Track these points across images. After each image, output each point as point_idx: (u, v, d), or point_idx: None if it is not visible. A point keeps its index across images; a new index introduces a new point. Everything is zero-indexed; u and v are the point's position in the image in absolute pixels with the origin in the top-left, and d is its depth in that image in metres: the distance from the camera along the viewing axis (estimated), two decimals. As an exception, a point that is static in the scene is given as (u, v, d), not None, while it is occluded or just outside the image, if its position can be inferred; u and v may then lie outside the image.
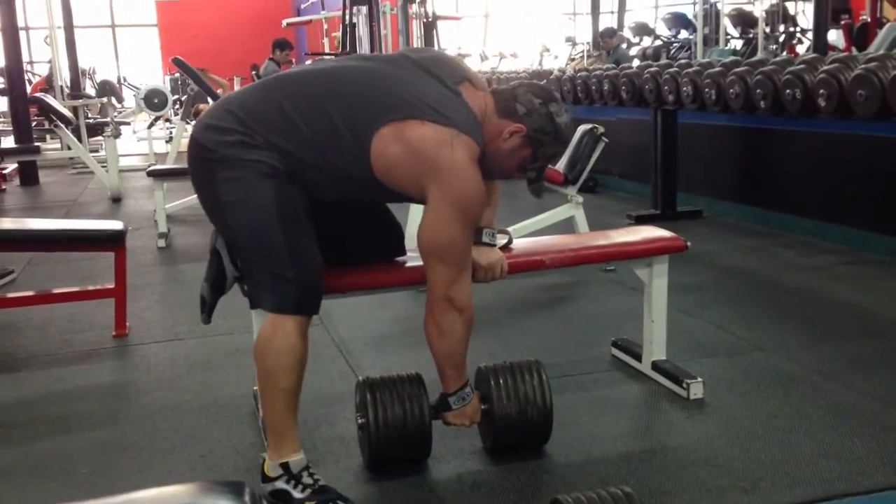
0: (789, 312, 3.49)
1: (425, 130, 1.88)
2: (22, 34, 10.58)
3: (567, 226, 4.27)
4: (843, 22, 9.00)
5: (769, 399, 2.59)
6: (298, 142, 1.92)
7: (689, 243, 2.63)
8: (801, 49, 9.30)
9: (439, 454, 2.24)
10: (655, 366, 2.72)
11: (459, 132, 1.89)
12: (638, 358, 2.81)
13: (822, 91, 3.97)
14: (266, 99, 1.98)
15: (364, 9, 10.40)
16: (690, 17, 11.11)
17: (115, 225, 3.46)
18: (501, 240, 2.45)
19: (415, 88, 1.93)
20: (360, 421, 2.16)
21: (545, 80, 7.56)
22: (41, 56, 15.28)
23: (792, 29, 9.74)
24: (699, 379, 2.59)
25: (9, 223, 4.20)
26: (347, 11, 10.21)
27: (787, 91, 4.18)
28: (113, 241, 3.36)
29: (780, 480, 2.08)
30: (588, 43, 11.66)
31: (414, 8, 10.61)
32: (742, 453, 2.23)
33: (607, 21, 11.81)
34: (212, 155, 1.94)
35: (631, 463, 2.21)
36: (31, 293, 3.77)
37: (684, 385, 2.57)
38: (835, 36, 8.81)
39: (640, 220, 5.16)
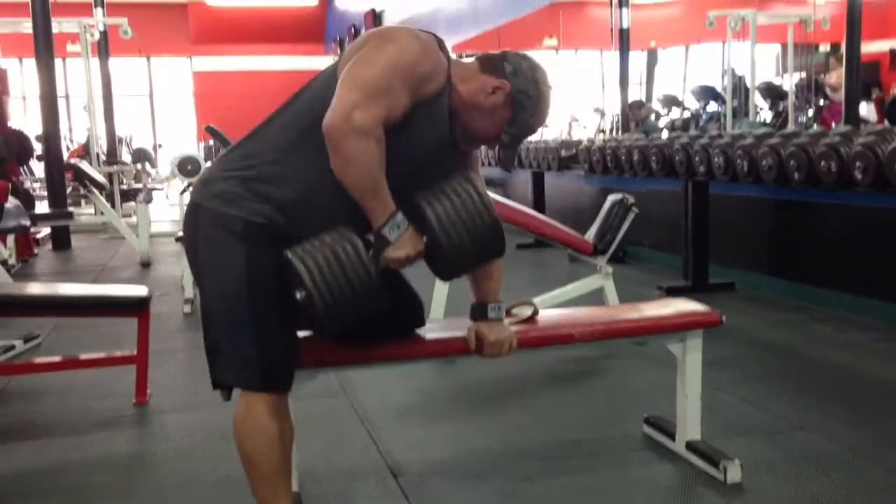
0: (827, 390, 3.36)
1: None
2: (62, 102, 10.88)
3: (596, 297, 4.19)
4: (874, 96, 8.99)
5: (810, 482, 2.46)
6: (275, 151, 1.87)
7: (724, 317, 2.55)
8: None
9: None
10: (690, 446, 2.61)
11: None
12: (672, 437, 2.70)
13: (858, 164, 3.91)
14: (250, 136, 1.96)
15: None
16: (719, 89, 11.16)
17: (140, 291, 3.44)
18: (526, 311, 2.39)
19: None
20: (300, 295, 1.83)
21: (574, 150, 7.58)
22: (80, 123, 15.65)
23: (822, 102, 9.73)
24: (736, 461, 2.47)
25: (36, 288, 4.21)
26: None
27: (823, 163, 4.13)
28: (136, 308, 3.34)
29: (825, 573, 1.96)
30: (616, 115, 11.73)
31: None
32: (784, 542, 2.11)
33: (635, 93, 11.89)
34: (199, 210, 1.90)
35: (665, 550, 2.09)
36: (53, 359, 3.75)
37: (721, 467, 2.45)
38: (866, 109, 8.79)
39: (671, 292, 5.07)
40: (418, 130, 1.87)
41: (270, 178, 1.86)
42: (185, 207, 5.85)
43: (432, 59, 1.85)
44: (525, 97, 1.93)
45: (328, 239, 1.82)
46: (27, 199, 8.13)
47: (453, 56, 1.97)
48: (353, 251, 1.81)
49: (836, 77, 9.12)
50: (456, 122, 1.92)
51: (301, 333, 2.04)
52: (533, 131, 2.04)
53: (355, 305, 1.83)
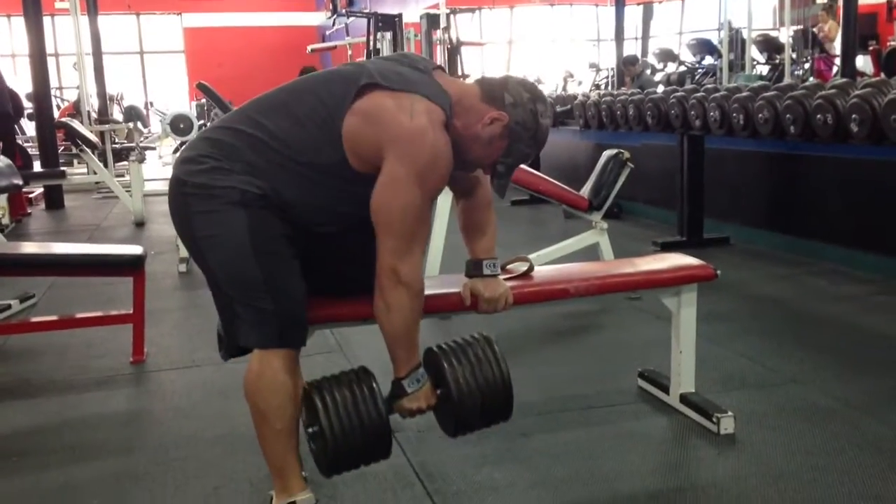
0: (822, 343, 3.38)
1: (384, 99, 1.84)
2: (51, 60, 10.74)
3: (591, 252, 4.19)
4: (871, 48, 8.91)
5: (803, 435, 2.49)
6: (269, 149, 1.87)
7: (718, 271, 2.55)
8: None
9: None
10: (684, 398, 2.63)
11: (421, 97, 1.83)
12: (665, 390, 2.72)
13: (854, 116, 3.89)
14: (238, 118, 1.95)
15: (388, 35, 10.46)
16: (715, 42, 11.05)
17: (135, 250, 3.43)
18: (521, 267, 2.39)
19: (376, 70, 1.89)
20: (311, 430, 1.92)
21: (569, 106, 7.53)
22: (70, 82, 15.48)
23: (819, 54, 9.64)
24: (730, 413, 2.49)
25: (30, 247, 4.20)
26: (371, 37, 10.26)
27: (818, 116, 4.10)
28: (132, 267, 3.33)
29: (817, 522, 1.99)
30: (612, 69, 11.62)
31: (438, 34, 10.66)
32: (776, 493, 2.14)
33: (631, 47, 11.77)
34: (185, 188, 1.88)
35: (659, 502, 2.12)
36: (49, 318, 3.74)
37: (714, 419, 2.48)
38: (862, 62, 8.72)
39: (666, 248, 5.07)
40: None
41: (265, 175, 1.87)
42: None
43: (447, 158, 1.86)
44: (522, 129, 1.93)
45: (346, 378, 1.93)
46: (26, 157, 8.10)
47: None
48: (370, 395, 1.90)
49: (828, 29, 9.04)
50: (453, 150, 1.90)
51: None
52: (528, 160, 2.07)
53: (362, 447, 1.91)
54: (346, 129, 1.84)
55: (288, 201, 1.88)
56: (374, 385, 1.92)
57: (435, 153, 1.82)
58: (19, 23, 9.07)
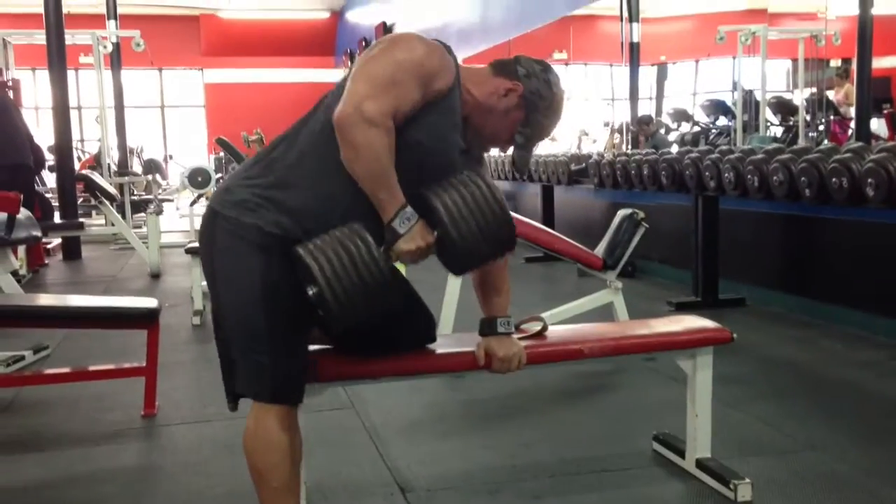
0: (840, 409, 3.33)
1: None
2: (74, 113, 10.93)
3: (606, 312, 4.17)
4: (885, 111, 8.96)
5: (822, 503, 2.44)
6: (292, 157, 1.88)
7: (735, 335, 2.53)
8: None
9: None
10: (700, 464, 2.59)
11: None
12: (681, 454, 2.68)
13: (870, 180, 3.89)
14: (270, 146, 1.97)
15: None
16: (729, 104, 11.14)
17: (149, 303, 3.45)
18: (535, 326, 2.38)
19: None
20: (312, 291, 1.81)
21: (584, 164, 7.57)
22: (92, 134, 15.73)
23: (833, 117, 9.70)
24: (747, 480, 2.44)
25: (46, 299, 4.23)
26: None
27: (834, 180, 4.10)
28: (146, 320, 3.34)
29: None
30: (627, 124, 11.71)
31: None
32: (795, 563, 2.09)
33: (646, 107, 11.88)
34: (216, 218, 1.89)
35: (675, 570, 2.07)
36: (62, 371, 3.74)
37: (731, 486, 2.43)
38: (876, 125, 8.76)
39: (681, 308, 5.05)
40: (431, 131, 1.87)
41: (287, 186, 1.87)
42: (195, 219, 5.80)
43: (438, 56, 1.86)
44: (538, 98, 1.94)
45: (338, 234, 1.81)
46: (47, 208, 8.20)
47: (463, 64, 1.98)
48: (364, 245, 1.80)
49: (841, 93, 9.11)
50: (468, 125, 1.93)
51: (312, 347, 2.03)
52: (547, 133, 2.04)
53: (367, 300, 1.81)
54: None
55: (312, 213, 1.85)
56: (366, 235, 1.81)
57: (424, 40, 1.85)
58: (44, 76, 9.25)
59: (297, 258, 1.80)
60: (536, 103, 1.94)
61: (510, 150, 2.03)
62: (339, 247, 1.79)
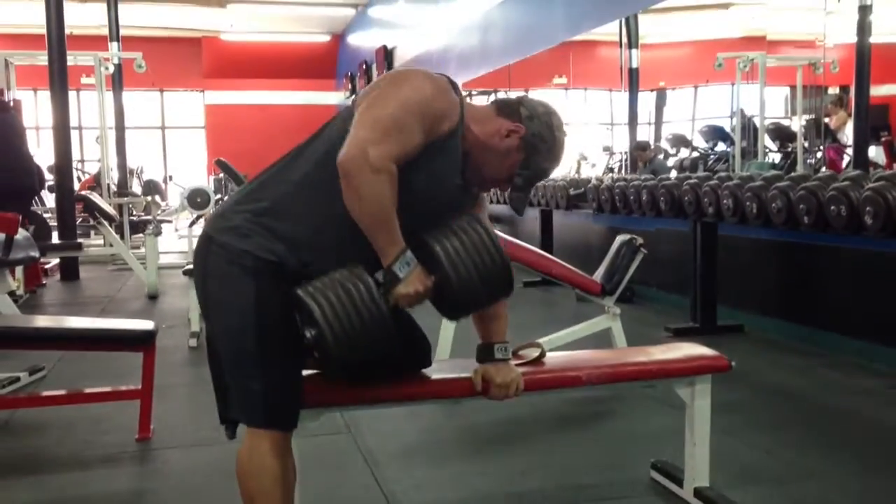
0: (839, 438, 3.32)
1: None
2: (75, 133, 10.96)
3: (603, 337, 4.16)
4: (883, 139, 8.99)
5: (821, 534, 2.42)
6: (288, 186, 1.89)
7: (733, 363, 2.52)
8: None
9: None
10: (699, 493, 2.57)
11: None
12: (679, 483, 2.66)
13: (868, 208, 3.89)
14: (267, 172, 1.98)
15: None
16: (728, 130, 11.19)
17: (145, 325, 3.44)
18: (533, 353, 2.37)
19: None
20: (311, 334, 1.81)
21: (583, 189, 7.59)
22: (92, 154, 15.75)
23: (831, 143, 9.74)
24: (745, 509, 2.43)
25: (42, 321, 4.21)
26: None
27: (832, 207, 4.11)
28: (142, 342, 3.33)
29: None
30: (624, 153, 11.76)
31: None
32: None
33: (644, 132, 11.93)
34: (210, 243, 1.90)
35: None
36: (57, 393, 3.73)
37: (729, 516, 2.42)
38: (874, 152, 8.79)
39: (679, 334, 5.04)
40: (431, 172, 1.87)
41: (282, 214, 1.87)
42: (193, 240, 5.78)
43: (445, 98, 1.87)
44: (539, 141, 1.94)
45: (338, 276, 1.81)
46: (45, 229, 8.19)
47: (467, 99, 1.98)
48: (365, 288, 1.80)
49: (836, 120, 9.16)
50: (468, 163, 1.93)
51: (306, 372, 2.02)
52: (546, 175, 2.05)
53: (367, 344, 1.81)
54: None
55: (307, 244, 1.86)
56: (367, 278, 1.81)
57: (424, 81, 1.85)
58: (45, 96, 9.28)
59: (296, 299, 1.81)
60: (537, 146, 1.95)
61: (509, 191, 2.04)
62: (340, 289, 1.79)
